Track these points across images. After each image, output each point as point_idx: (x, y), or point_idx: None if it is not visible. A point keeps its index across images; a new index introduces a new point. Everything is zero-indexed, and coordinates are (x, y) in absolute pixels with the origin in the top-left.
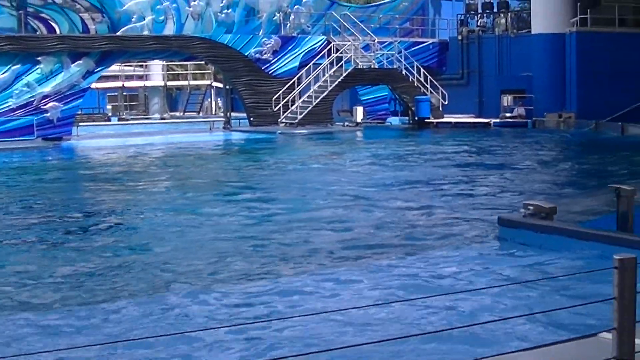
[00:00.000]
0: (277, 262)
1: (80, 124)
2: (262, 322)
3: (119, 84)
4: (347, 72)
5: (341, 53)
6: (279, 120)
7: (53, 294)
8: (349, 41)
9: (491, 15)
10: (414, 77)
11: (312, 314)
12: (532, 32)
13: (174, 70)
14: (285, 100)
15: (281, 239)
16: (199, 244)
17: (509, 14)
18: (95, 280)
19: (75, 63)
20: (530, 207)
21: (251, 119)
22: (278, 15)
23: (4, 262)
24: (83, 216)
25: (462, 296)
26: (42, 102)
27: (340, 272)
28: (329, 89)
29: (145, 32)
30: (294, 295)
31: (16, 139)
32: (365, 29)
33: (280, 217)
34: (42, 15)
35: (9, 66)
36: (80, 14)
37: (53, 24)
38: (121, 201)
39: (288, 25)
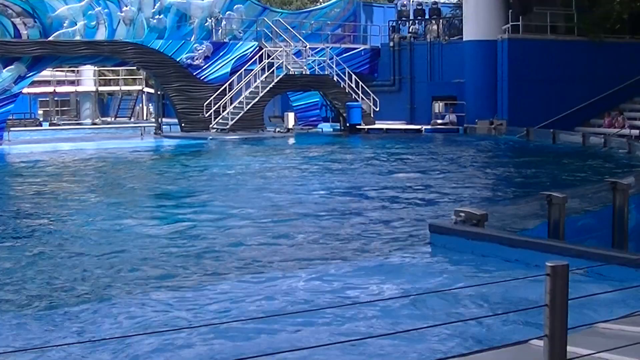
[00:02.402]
0: (182, 268)
1: (12, 129)
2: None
3: (50, 89)
4: (278, 78)
5: (273, 59)
6: (211, 126)
7: None
8: (281, 47)
9: (423, 22)
10: (345, 84)
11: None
12: (464, 39)
13: (106, 76)
14: (216, 106)
15: (192, 246)
16: (117, 250)
17: (441, 20)
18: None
19: (7, 68)
20: (462, 214)
21: (182, 124)
22: (210, 21)
23: None
24: (7, 221)
25: (385, 304)
26: None
27: (254, 280)
28: (261, 95)
29: (77, 37)
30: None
31: None
32: (297, 35)
33: (204, 223)
34: None
35: None
36: (12, 19)
37: None
38: (48, 207)
39: (220, 31)
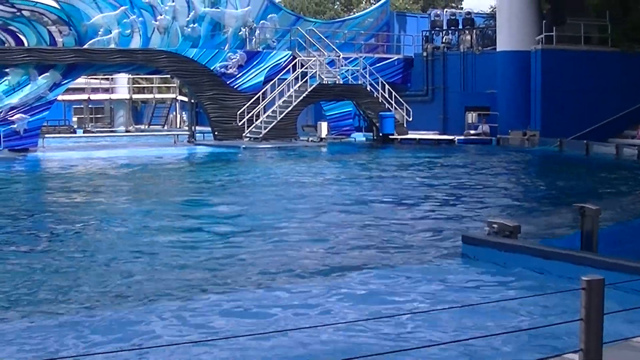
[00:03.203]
0: (234, 276)
1: (46, 135)
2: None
3: (84, 96)
4: (311, 88)
5: (306, 68)
6: (244, 134)
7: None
8: (314, 56)
9: (456, 32)
10: (378, 93)
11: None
12: (497, 49)
13: (140, 84)
14: (249, 114)
15: (233, 253)
16: (158, 256)
17: (474, 30)
18: (40, 290)
19: (42, 75)
20: (494, 225)
21: (215, 133)
22: (243, 30)
23: None
24: (45, 228)
25: (419, 316)
26: (9, 113)
27: (295, 289)
28: (294, 104)
29: (112, 46)
30: (252, 311)
31: None
32: (330, 45)
33: (239, 231)
34: (11, 27)
35: None
36: (47, 27)
37: (21, 37)
38: (81, 213)
39: (253, 40)
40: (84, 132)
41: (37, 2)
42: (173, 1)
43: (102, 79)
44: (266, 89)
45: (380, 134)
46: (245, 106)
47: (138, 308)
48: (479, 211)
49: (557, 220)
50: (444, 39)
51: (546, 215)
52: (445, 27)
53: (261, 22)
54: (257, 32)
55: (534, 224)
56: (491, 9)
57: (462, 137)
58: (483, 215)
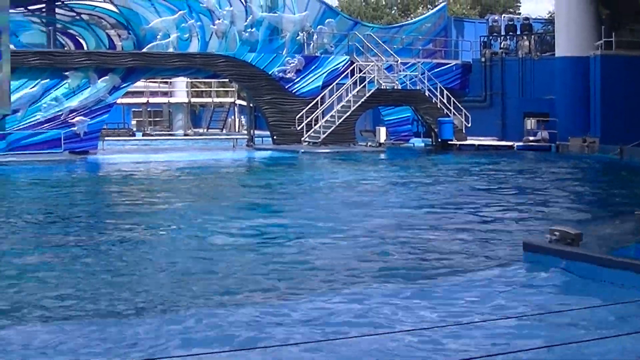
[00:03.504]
0: (297, 281)
1: (106, 138)
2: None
3: (143, 100)
4: (370, 93)
5: (364, 73)
6: (302, 139)
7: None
8: (372, 61)
9: (514, 38)
10: (436, 99)
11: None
12: (556, 55)
13: (198, 88)
14: (308, 119)
15: (299, 259)
16: (219, 261)
17: (532, 36)
18: (102, 294)
19: (102, 78)
20: (556, 233)
21: (274, 137)
22: (301, 34)
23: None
24: (99, 229)
25: (484, 325)
26: (70, 116)
27: (363, 295)
28: (352, 108)
29: (170, 50)
30: (319, 318)
31: (44, 151)
32: (388, 50)
33: (304, 237)
34: (70, 31)
35: (37, 80)
36: (106, 31)
37: (80, 40)
38: (139, 216)
39: (311, 44)
40: (142, 135)
41: (96, 6)
42: (231, 6)
43: (160, 82)
44: (324, 94)
45: (439, 140)
46: (304, 111)
47: (218, 311)
48: (540, 218)
49: (619, 228)
50: (502, 44)
51: (608, 223)
52: (503, 33)
53: (319, 26)
54: (315, 36)
55: (596, 232)
56: (549, 15)
57: (520, 144)
58: (544, 222)
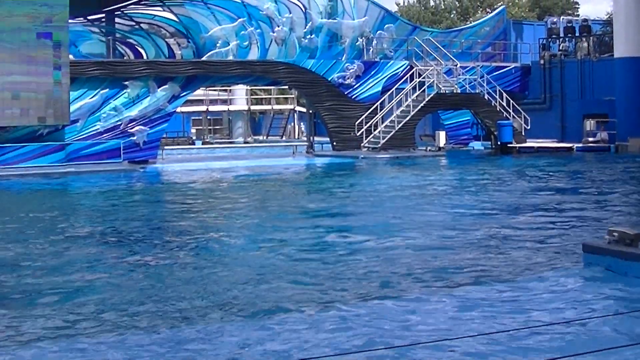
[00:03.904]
0: (362, 287)
1: (166, 147)
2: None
3: (203, 108)
4: (429, 97)
5: (423, 78)
6: (362, 144)
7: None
8: (432, 66)
9: (573, 40)
10: (496, 102)
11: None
12: (615, 56)
13: (258, 95)
14: (368, 125)
15: (358, 265)
16: (269, 268)
17: (591, 38)
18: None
19: (161, 87)
20: (615, 234)
21: (334, 143)
22: (360, 40)
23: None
24: (165, 239)
25: (556, 327)
26: (129, 125)
27: (429, 298)
28: (412, 113)
29: (230, 57)
30: (398, 318)
31: (104, 161)
32: (448, 54)
33: (366, 243)
34: (130, 40)
35: (97, 90)
36: (166, 39)
37: (140, 49)
38: (199, 224)
39: (371, 50)
40: (202, 144)
41: (155, 15)
42: (290, 13)
43: (220, 90)
44: (384, 99)
45: (499, 143)
46: (364, 116)
47: (295, 315)
48: (600, 219)
49: None
50: (561, 46)
51: None
52: (562, 35)
53: (378, 32)
54: (374, 42)
55: None
56: (608, 16)
57: (580, 145)
58: (604, 223)
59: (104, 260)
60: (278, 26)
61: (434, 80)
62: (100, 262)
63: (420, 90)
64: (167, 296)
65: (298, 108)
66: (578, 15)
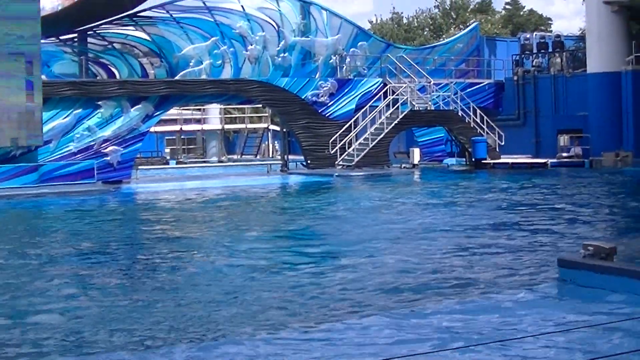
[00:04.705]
0: (325, 308)
1: (140, 167)
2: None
3: (177, 127)
4: (403, 114)
5: (397, 95)
6: (336, 162)
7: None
8: (405, 83)
9: (546, 55)
10: (470, 118)
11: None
12: (588, 71)
13: (232, 114)
14: (342, 142)
15: (325, 284)
16: (247, 290)
17: (564, 53)
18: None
19: (135, 107)
20: (590, 248)
21: (308, 161)
22: (334, 58)
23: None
24: (137, 261)
25: (529, 340)
26: (103, 145)
27: (393, 317)
28: (386, 131)
29: (203, 76)
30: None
31: (78, 182)
32: (421, 71)
33: (336, 262)
34: (102, 60)
35: (70, 111)
36: (139, 59)
37: (113, 69)
38: (173, 244)
39: (344, 68)
40: (176, 163)
41: (128, 35)
42: (263, 31)
43: (194, 109)
44: (358, 117)
45: (473, 159)
46: (338, 134)
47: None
48: (575, 234)
49: None
50: (534, 62)
51: None
52: (535, 51)
53: (351, 49)
54: (348, 60)
55: (630, 246)
56: (580, 31)
57: (555, 160)
58: (579, 237)
59: (69, 282)
60: (251, 44)
61: (407, 98)
62: (66, 284)
63: (394, 108)
64: (129, 319)
65: (272, 126)
66: (551, 31)
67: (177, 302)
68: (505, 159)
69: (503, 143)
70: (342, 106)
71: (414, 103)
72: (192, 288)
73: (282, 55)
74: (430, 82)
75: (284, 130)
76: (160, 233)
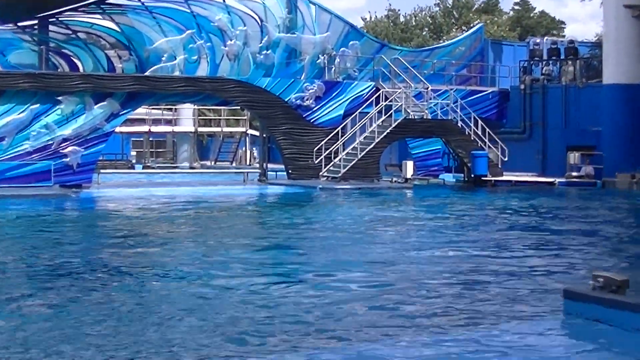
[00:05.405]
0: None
1: (102, 171)
2: None
3: (145, 128)
4: (396, 123)
5: (391, 101)
6: (320, 173)
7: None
8: (400, 88)
9: (558, 63)
10: (470, 130)
11: None
12: (603, 82)
13: (206, 116)
14: (327, 152)
15: (307, 308)
16: (216, 312)
17: (578, 61)
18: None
19: (99, 104)
20: (600, 279)
21: (290, 171)
22: (322, 58)
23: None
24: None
25: None
26: (62, 145)
27: (385, 347)
28: (376, 140)
29: (176, 73)
30: None
31: (32, 185)
32: (418, 75)
33: (316, 286)
34: (65, 51)
35: (27, 105)
36: (105, 51)
37: (76, 61)
38: (134, 259)
39: (333, 69)
40: (143, 168)
41: (94, 24)
42: (245, 25)
43: (164, 109)
44: (346, 124)
45: (472, 175)
46: (323, 142)
47: None
48: (583, 263)
49: None
50: (544, 70)
51: None
52: (545, 57)
53: (341, 49)
54: (337, 60)
55: None
56: (597, 37)
57: (563, 180)
58: (587, 267)
59: (13, 300)
60: (231, 40)
61: (402, 104)
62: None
63: (387, 115)
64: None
65: (250, 131)
66: (564, 36)
67: (121, 324)
68: (507, 177)
69: (506, 158)
70: (329, 111)
71: (408, 111)
72: (145, 307)
73: (264, 52)
74: (427, 88)
75: (264, 135)
76: (117, 246)
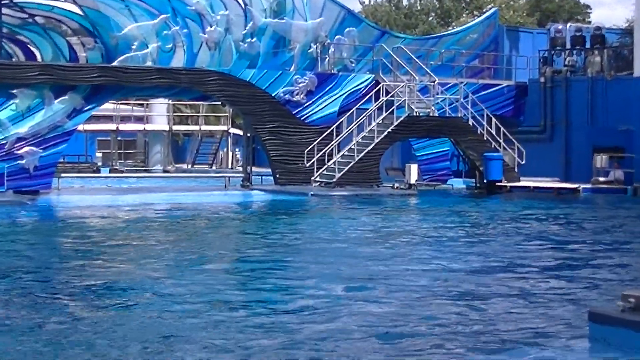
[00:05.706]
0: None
1: (63, 174)
2: None
3: (112, 126)
4: (399, 121)
5: (392, 96)
6: (312, 178)
7: None
8: (403, 81)
9: (582, 52)
10: (483, 129)
11: None
12: (634, 75)
13: (182, 112)
14: (320, 153)
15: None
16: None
17: (606, 50)
18: None
19: (59, 99)
20: (631, 300)
21: (277, 176)
22: (314, 47)
23: None
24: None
25: None
26: (16, 146)
27: None
28: (376, 140)
29: (148, 63)
30: None
31: None
32: (423, 67)
33: (305, 308)
34: (20, 37)
35: None
36: (67, 38)
37: (33, 49)
38: (97, 274)
39: (327, 59)
40: (110, 172)
41: (54, 7)
42: (226, 9)
43: (135, 105)
44: (341, 122)
45: (485, 181)
46: (315, 143)
47: None
48: (611, 281)
49: None
50: (567, 60)
51: None
52: (568, 46)
53: (337, 37)
54: (332, 49)
55: None
56: (627, 24)
57: (588, 186)
58: (616, 286)
59: None
60: (210, 26)
61: (405, 100)
62: None
63: (388, 112)
64: None
65: (233, 130)
66: (589, 22)
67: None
68: (525, 182)
69: (524, 161)
70: (323, 108)
71: (412, 107)
72: (109, 330)
73: (248, 40)
74: (434, 82)
75: (248, 135)
76: (83, 260)
